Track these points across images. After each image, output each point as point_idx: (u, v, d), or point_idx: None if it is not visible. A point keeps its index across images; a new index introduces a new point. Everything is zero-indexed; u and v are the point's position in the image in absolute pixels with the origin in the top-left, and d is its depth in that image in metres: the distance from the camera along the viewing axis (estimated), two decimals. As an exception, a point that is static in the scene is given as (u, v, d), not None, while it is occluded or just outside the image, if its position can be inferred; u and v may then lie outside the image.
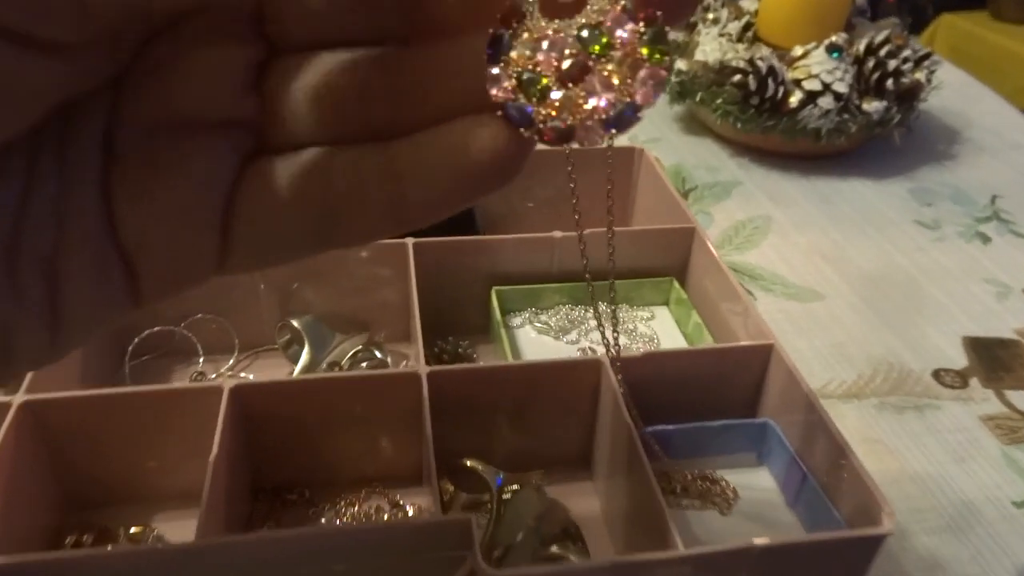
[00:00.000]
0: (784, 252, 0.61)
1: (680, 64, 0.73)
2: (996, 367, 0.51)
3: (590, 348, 0.48)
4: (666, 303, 0.51)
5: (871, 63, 0.68)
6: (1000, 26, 1.81)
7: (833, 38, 0.68)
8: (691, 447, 0.41)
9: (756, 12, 0.73)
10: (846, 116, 0.67)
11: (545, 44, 0.17)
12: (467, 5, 0.18)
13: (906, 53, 0.69)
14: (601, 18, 0.17)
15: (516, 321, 0.49)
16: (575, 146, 0.17)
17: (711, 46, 0.71)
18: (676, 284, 0.50)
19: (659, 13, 0.17)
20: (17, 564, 0.29)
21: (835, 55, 0.67)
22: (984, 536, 0.40)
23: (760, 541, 0.30)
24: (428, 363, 0.40)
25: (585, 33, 0.17)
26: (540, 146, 0.18)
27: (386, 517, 0.39)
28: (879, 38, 0.69)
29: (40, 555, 0.32)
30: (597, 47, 0.17)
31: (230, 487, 0.37)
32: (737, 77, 0.68)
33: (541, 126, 0.17)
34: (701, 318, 0.48)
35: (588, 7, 0.17)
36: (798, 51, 0.69)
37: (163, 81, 0.18)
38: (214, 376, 0.47)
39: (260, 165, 0.19)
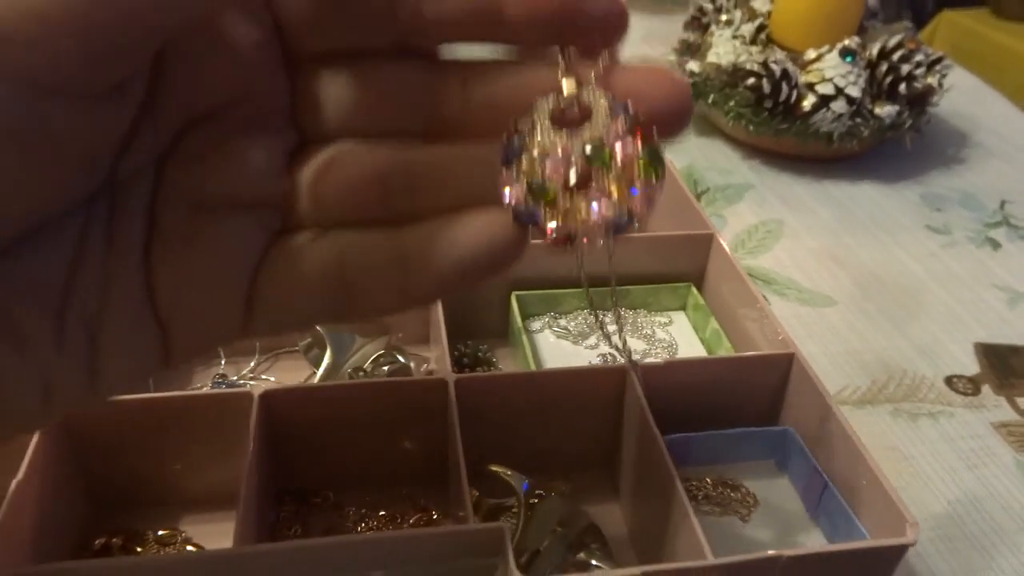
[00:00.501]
0: (797, 256, 0.61)
1: (693, 65, 0.73)
2: (1008, 374, 0.51)
3: (610, 353, 0.48)
4: (683, 308, 0.52)
5: (884, 67, 0.69)
6: (1001, 23, 1.81)
7: (846, 42, 0.68)
8: (712, 454, 0.41)
9: (769, 14, 0.73)
10: (858, 120, 0.67)
11: (552, 154, 0.19)
12: (487, 114, 0.20)
13: (919, 57, 0.69)
14: (604, 132, 0.19)
15: (536, 326, 0.50)
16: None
17: (724, 48, 0.71)
18: (694, 290, 0.51)
19: (655, 133, 0.18)
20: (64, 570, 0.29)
21: (848, 59, 0.68)
22: (999, 544, 0.41)
23: (787, 551, 0.31)
24: (453, 369, 0.40)
25: (590, 147, 0.19)
26: None
27: (412, 521, 0.40)
28: (892, 42, 0.69)
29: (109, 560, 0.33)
30: (600, 160, 0.18)
31: (260, 491, 0.37)
32: (751, 80, 0.68)
33: (546, 230, 0.19)
34: (719, 324, 0.48)
35: (592, 121, 0.19)
36: (811, 54, 0.69)
37: (203, 166, 0.19)
38: (235, 378, 0.47)
39: (284, 244, 0.21)
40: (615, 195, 0.18)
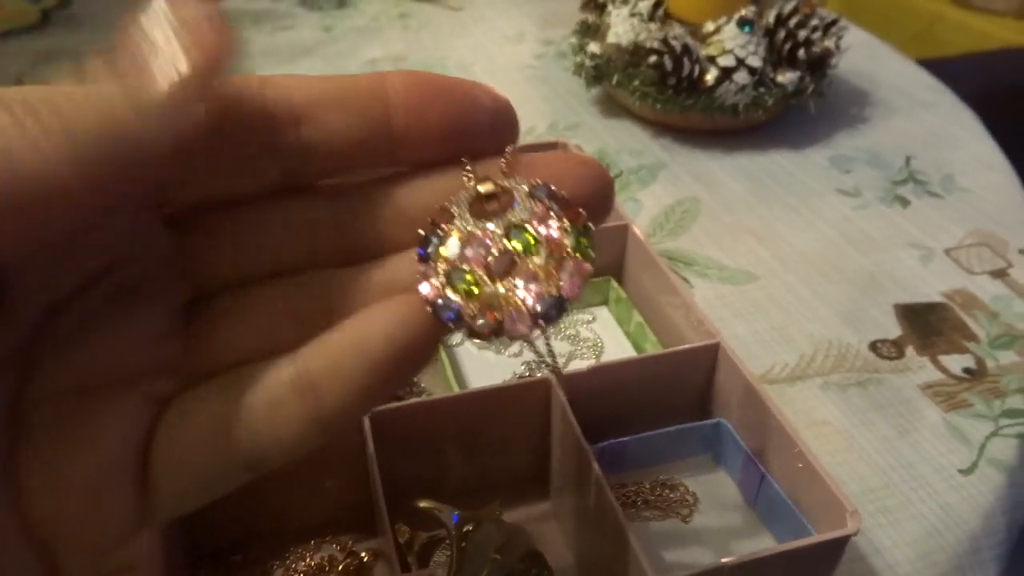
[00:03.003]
0: (715, 234, 0.60)
1: (593, 47, 0.71)
2: (928, 333, 0.52)
3: (534, 361, 0.46)
4: (606, 303, 0.50)
5: (782, 34, 0.68)
6: (890, -25, 1.86)
7: (743, 11, 0.68)
8: (647, 456, 0.40)
9: (665, -11, 0.72)
10: (762, 90, 0.67)
11: (473, 242, 0.17)
12: (402, 227, 0.18)
13: (815, 21, 0.69)
14: (526, 216, 0.17)
15: (455, 339, 0.48)
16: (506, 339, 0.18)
17: (623, 27, 0.70)
18: (614, 283, 0.49)
19: (583, 213, 0.17)
20: None
21: (746, 29, 0.67)
22: (936, 508, 0.41)
23: (730, 560, 0.30)
24: (368, 401, 0.38)
25: (511, 231, 0.17)
26: None
27: (340, 568, 0.37)
28: (787, 8, 0.69)
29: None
30: (521, 244, 0.17)
31: (168, 559, 0.34)
32: (653, 58, 0.67)
33: (470, 322, 0.17)
34: (643, 316, 0.47)
35: (514, 208, 0.18)
36: (710, 27, 0.68)
37: (77, 347, 0.17)
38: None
39: (174, 403, 0.18)
40: (541, 278, 0.17)
